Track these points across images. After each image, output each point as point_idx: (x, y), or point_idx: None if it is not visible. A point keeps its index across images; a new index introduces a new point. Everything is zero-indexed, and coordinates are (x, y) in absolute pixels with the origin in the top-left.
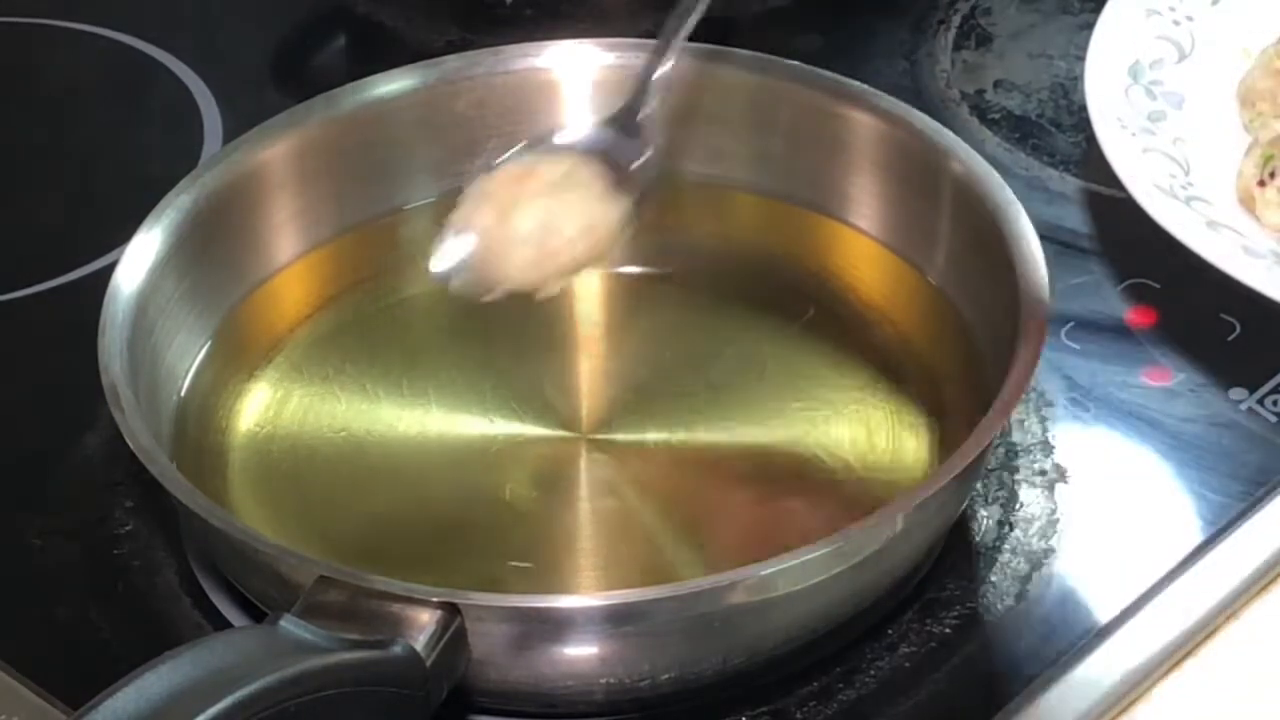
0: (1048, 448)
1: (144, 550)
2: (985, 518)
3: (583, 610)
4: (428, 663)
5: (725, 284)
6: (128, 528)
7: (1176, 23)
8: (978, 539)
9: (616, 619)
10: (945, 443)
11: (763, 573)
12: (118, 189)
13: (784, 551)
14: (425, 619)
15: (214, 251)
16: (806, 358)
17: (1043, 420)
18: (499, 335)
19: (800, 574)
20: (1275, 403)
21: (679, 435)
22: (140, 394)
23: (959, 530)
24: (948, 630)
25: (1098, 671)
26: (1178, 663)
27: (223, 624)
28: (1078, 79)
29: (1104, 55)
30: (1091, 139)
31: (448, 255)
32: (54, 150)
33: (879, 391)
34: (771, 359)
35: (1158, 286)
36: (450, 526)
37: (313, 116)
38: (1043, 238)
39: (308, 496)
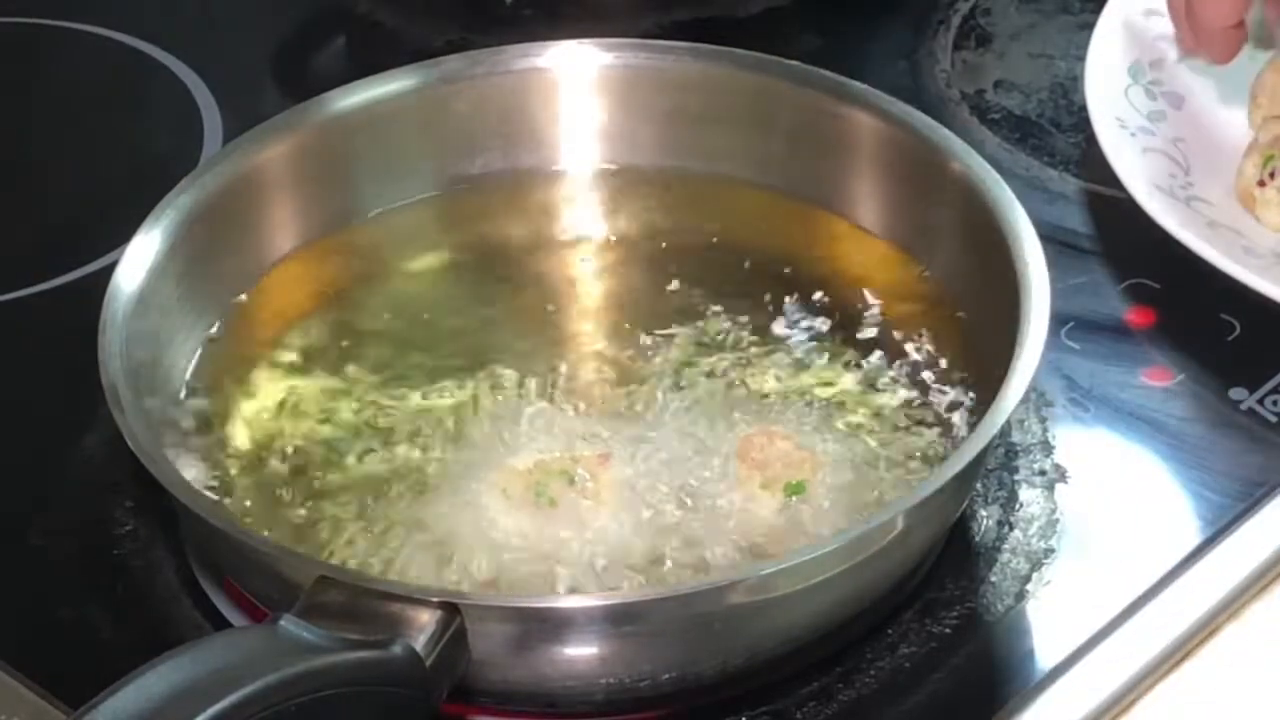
0: (1048, 448)
1: (144, 550)
2: (985, 518)
3: (583, 610)
4: (428, 663)
5: (726, 280)
6: (128, 528)
7: None
8: (978, 539)
9: (616, 619)
10: (946, 442)
11: (763, 573)
12: (118, 189)
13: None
14: (425, 619)
15: (214, 251)
16: (807, 354)
17: (1043, 420)
18: (500, 331)
19: (800, 574)
20: (1275, 403)
21: (680, 431)
22: (140, 394)
23: (959, 530)
24: (948, 630)
25: (1097, 671)
26: (1178, 663)
27: (223, 624)
28: (1078, 79)
29: (1104, 55)
30: (1091, 139)
31: None
32: (54, 150)
33: (878, 389)
34: (772, 355)
35: (1158, 286)
36: (452, 519)
37: (312, 116)
38: (1043, 238)
39: (308, 494)
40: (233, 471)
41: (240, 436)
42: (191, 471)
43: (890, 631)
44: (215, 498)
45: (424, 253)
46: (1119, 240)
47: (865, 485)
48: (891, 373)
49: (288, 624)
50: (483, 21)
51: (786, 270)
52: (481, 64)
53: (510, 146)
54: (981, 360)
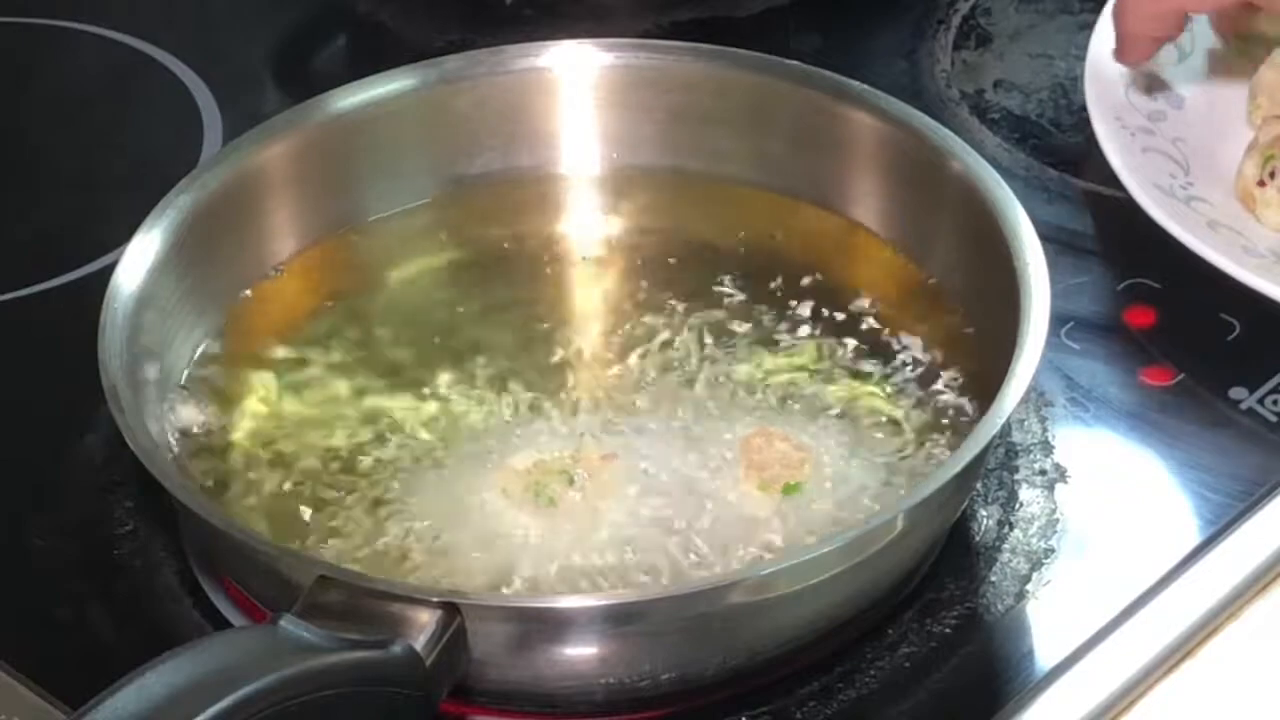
0: (1048, 448)
1: (144, 550)
2: (985, 518)
3: (583, 610)
4: (428, 663)
5: (725, 281)
6: (128, 528)
7: None
8: (978, 539)
9: (616, 619)
10: (946, 442)
11: (763, 573)
12: (118, 189)
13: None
14: (425, 619)
15: (214, 251)
16: (806, 354)
17: (1043, 420)
18: (500, 329)
19: (800, 574)
20: (1275, 403)
21: (679, 431)
22: (140, 394)
23: (959, 530)
24: (948, 630)
25: (1097, 671)
26: (1178, 663)
27: (223, 624)
28: (1078, 79)
29: (1104, 55)
30: (1091, 139)
31: None
32: (54, 150)
33: (877, 389)
34: (770, 355)
35: (1158, 286)
36: (452, 520)
37: (312, 116)
38: (1043, 238)
39: (308, 494)
40: (233, 471)
41: (240, 437)
42: (191, 470)
43: (890, 631)
44: (215, 497)
45: (423, 253)
46: (1119, 240)
47: (865, 485)
48: (891, 373)
49: (288, 624)
50: (483, 21)
51: (786, 270)
52: (481, 64)
53: (510, 146)
54: (981, 360)
